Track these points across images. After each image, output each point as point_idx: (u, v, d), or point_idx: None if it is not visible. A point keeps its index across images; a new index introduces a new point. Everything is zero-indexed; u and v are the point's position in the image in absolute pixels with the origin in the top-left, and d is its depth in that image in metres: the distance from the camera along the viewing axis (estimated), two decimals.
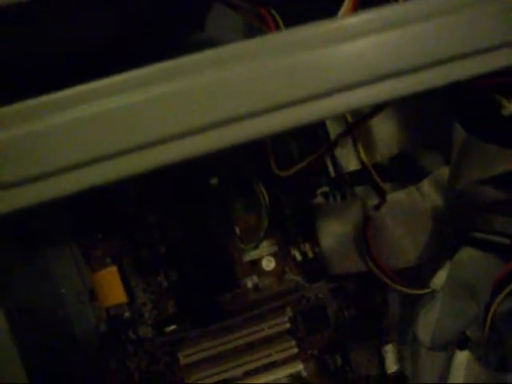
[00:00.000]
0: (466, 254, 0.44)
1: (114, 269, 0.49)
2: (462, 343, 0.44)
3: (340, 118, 0.47)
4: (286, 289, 0.53)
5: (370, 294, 0.53)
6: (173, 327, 0.50)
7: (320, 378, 0.53)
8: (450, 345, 0.45)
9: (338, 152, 0.49)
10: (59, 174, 0.26)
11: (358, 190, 0.50)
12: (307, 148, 0.50)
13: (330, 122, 0.48)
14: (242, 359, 0.51)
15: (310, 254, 0.52)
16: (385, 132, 0.49)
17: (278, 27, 0.34)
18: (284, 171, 0.45)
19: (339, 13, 0.32)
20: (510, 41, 0.29)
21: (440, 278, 0.46)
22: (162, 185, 0.50)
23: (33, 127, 0.25)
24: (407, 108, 0.49)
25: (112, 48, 0.37)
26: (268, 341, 0.52)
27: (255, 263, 0.52)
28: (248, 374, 0.51)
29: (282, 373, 0.52)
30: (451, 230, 0.46)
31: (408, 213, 0.47)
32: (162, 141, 0.27)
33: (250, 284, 0.52)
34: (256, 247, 0.51)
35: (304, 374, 0.52)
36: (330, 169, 0.50)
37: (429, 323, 0.45)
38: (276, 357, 0.52)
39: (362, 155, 0.44)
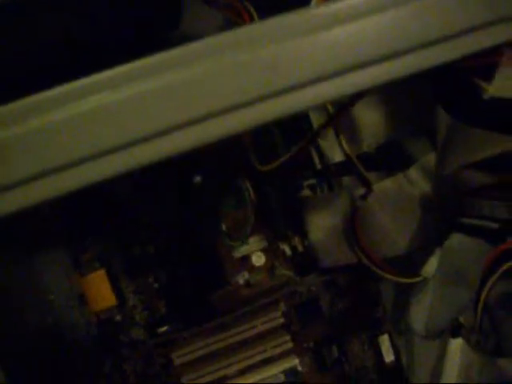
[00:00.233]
0: (456, 240, 0.44)
1: (102, 272, 0.49)
2: (456, 330, 0.44)
3: (323, 108, 0.47)
4: (278, 283, 0.52)
5: (363, 284, 0.52)
6: (165, 328, 0.50)
7: (316, 372, 0.52)
8: (444, 332, 0.45)
9: (323, 143, 0.48)
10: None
11: (345, 180, 0.50)
12: (291, 141, 0.50)
13: (313, 113, 0.48)
14: (237, 356, 0.51)
15: (300, 248, 0.51)
16: (370, 121, 0.48)
17: (252, 19, 0.34)
18: (267, 166, 0.44)
19: (312, 2, 0.32)
20: (493, 20, 0.28)
21: (431, 265, 0.45)
22: (147, 185, 0.49)
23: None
24: (392, 95, 0.48)
25: (86, 48, 0.36)
26: (262, 337, 0.51)
27: (245, 259, 0.51)
28: (243, 371, 0.51)
29: (278, 368, 0.51)
30: (440, 217, 0.46)
31: (396, 201, 0.47)
32: (145, 138, 0.26)
33: (241, 280, 0.52)
34: (243, 243, 0.50)
35: (299, 368, 0.52)
36: (316, 161, 0.50)
37: (422, 311, 0.45)
38: (271, 352, 0.51)
39: (345, 145, 0.43)
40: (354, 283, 0.52)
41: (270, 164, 0.45)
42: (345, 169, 0.49)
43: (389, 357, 0.52)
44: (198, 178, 0.48)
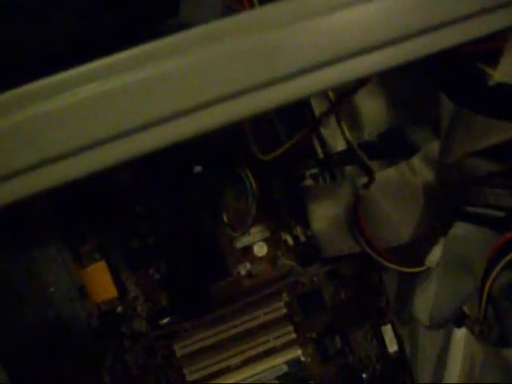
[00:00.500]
0: (461, 228, 0.43)
1: (102, 263, 0.48)
2: (460, 320, 0.43)
3: (325, 96, 0.46)
4: (280, 274, 0.52)
5: (366, 274, 0.52)
6: (167, 319, 0.50)
7: (319, 362, 0.52)
8: (448, 322, 0.45)
9: (326, 132, 0.48)
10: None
11: (348, 169, 0.49)
12: (293, 129, 0.49)
13: (315, 101, 0.47)
14: (240, 347, 0.51)
15: (302, 238, 0.51)
16: (372, 109, 0.48)
17: (252, 5, 0.33)
18: (268, 155, 0.44)
19: None
20: (494, 6, 0.28)
21: (435, 254, 0.45)
22: (147, 176, 0.49)
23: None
24: (394, 83, 0.48)
25: (84, 38, 0.36)
26: (265, 327, 0.51)
27: (247, 250, 0.51)
28: (246, 361, 0.51)
29: (281, 359, 0.51)
30: (444, 206, 0.46)
31: (399, 190, 0.47)
32: (145, 126, 0.26)
33: (243, 271, 0.51)
34: (245, 234, 0.50)
35: (302, 358, 0.51)
36: (318, 150, 0.50)
37: (426, 301, 0.45)
38: (274, 343, 0.51)
39: (347, 134, 0.43)
40: (356, 273, 0.52)
41: (271, 153, 0.44)
42: (347, 158, 0.49)
43: (392, 347, 0.52)
44: (198, 168, 0.48)
